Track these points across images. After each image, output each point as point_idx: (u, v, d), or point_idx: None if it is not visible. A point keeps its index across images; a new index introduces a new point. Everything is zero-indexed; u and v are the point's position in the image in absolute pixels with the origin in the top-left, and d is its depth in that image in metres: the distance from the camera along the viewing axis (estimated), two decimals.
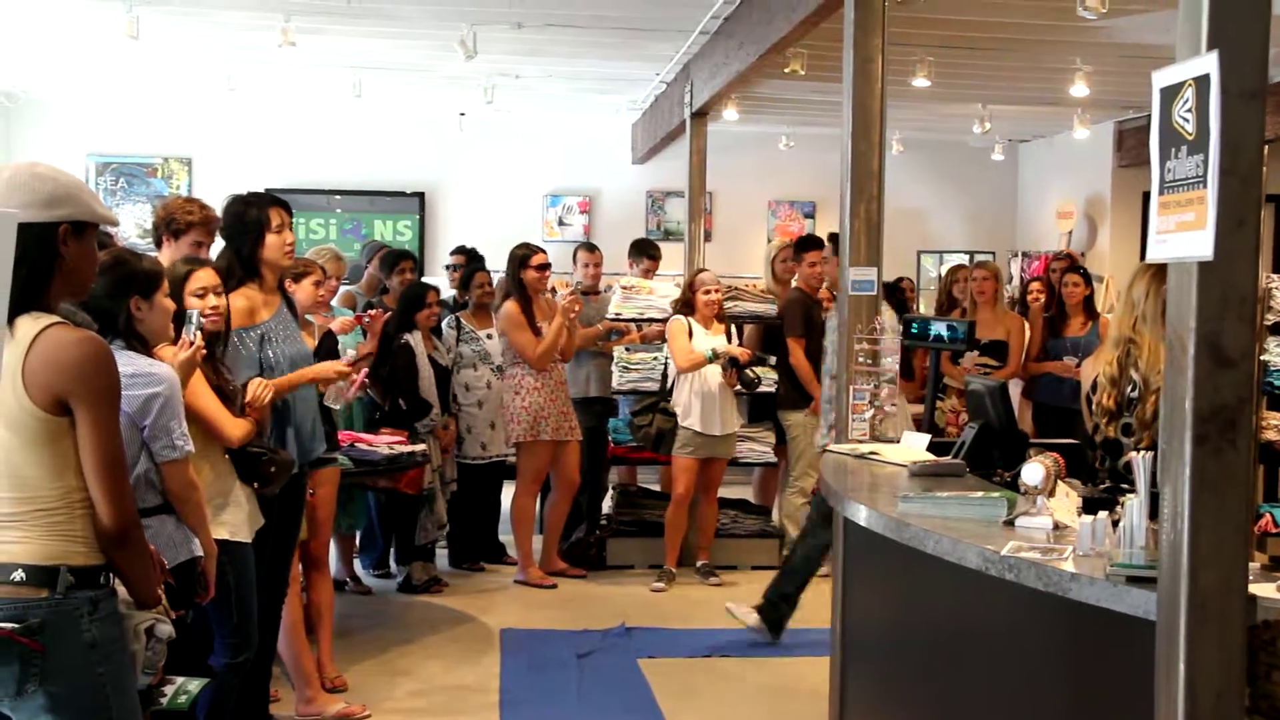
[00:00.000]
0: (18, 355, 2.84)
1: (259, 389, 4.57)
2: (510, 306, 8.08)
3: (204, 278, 4.45)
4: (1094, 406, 4.50)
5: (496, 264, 9.50)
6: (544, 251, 8.34)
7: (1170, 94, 2.68)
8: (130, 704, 3.03)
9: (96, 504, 2.92)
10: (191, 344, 4.12)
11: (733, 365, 8.04)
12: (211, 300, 4.40)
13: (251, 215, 4.98)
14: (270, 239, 4.98)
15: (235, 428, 4.41)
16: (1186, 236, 2.61)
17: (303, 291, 5.78)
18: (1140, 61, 8.76)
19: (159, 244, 5.08)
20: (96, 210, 3.02)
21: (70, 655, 2.90)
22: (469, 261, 9.22)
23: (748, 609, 6.90)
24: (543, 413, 8.03)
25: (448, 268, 9.33)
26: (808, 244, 8.79)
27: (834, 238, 7.36)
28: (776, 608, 6.90)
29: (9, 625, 2.84)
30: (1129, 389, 4.38)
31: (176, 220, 4.99)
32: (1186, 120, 2.63)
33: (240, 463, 4.51)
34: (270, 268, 5.04)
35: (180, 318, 4.16)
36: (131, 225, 12.46)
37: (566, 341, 8.15)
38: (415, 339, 7.69)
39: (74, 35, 9.37)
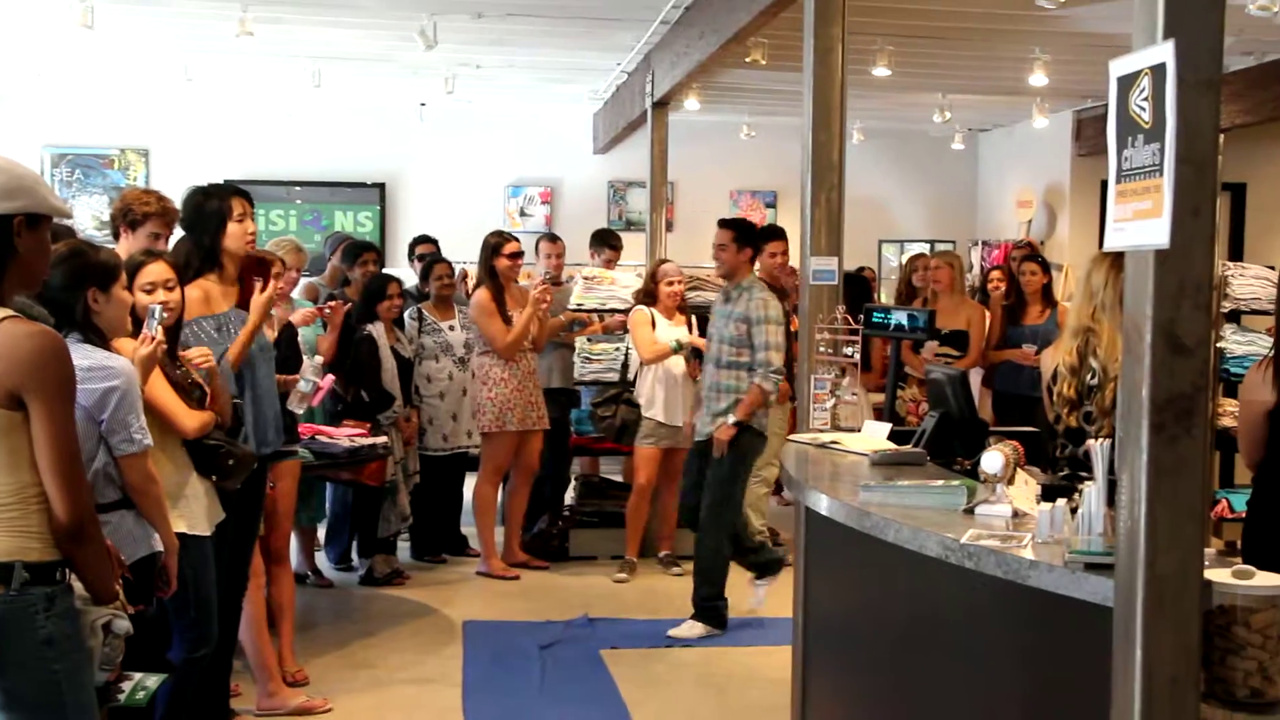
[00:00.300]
0: None
1: (201, 354, 4.50)
2: (482, 294, 8.07)
3: (154, 272, 4.39)
4: (1054, 396, 4.53)
5: (458, 254, 9.47)
6: (517, 240, 8.32)
7: (1127, 83, 2.69)
8: (87, 700, 3.01)
9: (52, 499, 2.90)
10: (153, 339, 4.08)
11: (696, 356, 8.05)
12: (161, 295, 4.34)
13: (213, 205, 4.95)
14: (232, 228, 4.95)
15: (191, 419, 4.37)
16: (1143, 225, 2.63)
17: None
18: (1098, 51, 8.79)
19: (117, 236, 5.04)
20: (51, 202, 3.00)
21: (25, 651, 2.88)
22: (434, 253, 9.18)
23: (688, 625, 6.92)
24: (509, 404, 8.02)
25: (419, 258, 9.25)
26: (769, 234, 8.79)
27: (727, 223, 7.31)
28: (712, 608, 6.97)
29: None
30: (1089, 377, 4.41)
31: (133, 211, 4.95)
32: (1143, 109, 2.64)
33: (198, 456, 4.47)
34: (231, 257, 5.00)
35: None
36: (88, 217, 12.36)
37: (539, 331, 8.16)
38: (378, 330, 7.66)
39: (27, 25, 9.27)
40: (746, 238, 7.13)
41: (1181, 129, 2.55)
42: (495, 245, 8.12)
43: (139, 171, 12.88)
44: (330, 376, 6.22)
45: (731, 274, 7.08)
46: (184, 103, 12.49)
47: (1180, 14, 2.56)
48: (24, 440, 2.87)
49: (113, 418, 3.76)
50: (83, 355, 3.53)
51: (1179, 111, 2.55)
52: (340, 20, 8.89)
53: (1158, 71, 2.58)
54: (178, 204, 5.08)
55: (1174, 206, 2.55)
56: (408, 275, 9.58)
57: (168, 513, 4.07)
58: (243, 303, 4.99)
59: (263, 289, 4.96)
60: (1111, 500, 2.85)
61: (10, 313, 2.89)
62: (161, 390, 4.27)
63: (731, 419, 6.85)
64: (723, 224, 7.31)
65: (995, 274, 9.71)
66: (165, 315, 4.19)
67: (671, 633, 6.87)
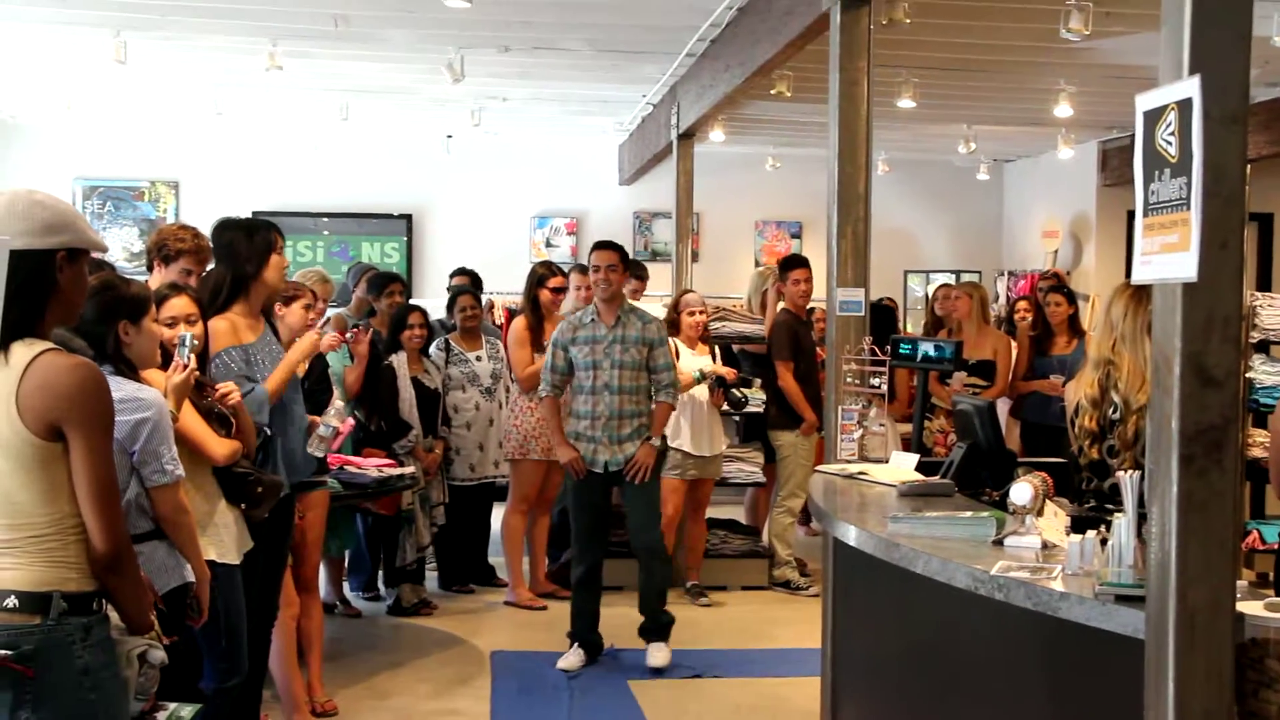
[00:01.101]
0: (12, 381, 2.85)
1: (229, 388, 4.52)
2: (519, 322, 8.10)
3: (175, 307, 4.42)
4: (1076, 429, 4.51)
5: (486, 286, 9.50)
6: (564, 275, 8.34)
7: (1153, 117, 2.70)
8: None
9: (90, 530, 2.92)
10: (185, 366, 4.12)
11: (719, 385, 8.06)
12: (181, 329, 4.38)
13: (260, 238, 4.98)
14: (274, 259, 5.00)
15: (221, 447, 4.40)
16: (1171, 258, 2.64)
17: (293, 315, 5.78)
18: (1123, 82, 8.82)
19: (150, 268, 5.09)
20: (90, 237, 3.04)
21: (63, 681, 2.90)
22: (472, 284, 9.20)
23: (662, 652, 6.83)
24: (533, 432, 8.04)
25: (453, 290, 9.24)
26: (792, 263, 8.81)
27: (610, 244, 7.06)
28: (671, 625, 6.95)
29: (1, 652, 2.84)
30: (1110, 411, 4.38)
31: (168, 247, 5.01)
32: (1169, 143, 2.66)
33: (227, 484, 4.49)
34: (267, 289, 5.05)
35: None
36: (119, 249, 12.47)
37: None
38: (399, 360, 7.70)
39: (61, 59, 9.39)
40: (628, 261, 7.14)
41: (1208, 163, 2.56)
42: (541, 276, 8.12)
43: (169, 204, 12.99)
44: (350, 420, 6.24)
45: (614, 298, 6.90)
46: (214, 136, 12.62)
47: (1207, 50, 2.58)
48: (63, 472, 2.90)
49: (144, 449, 3.79)
50: (115, 387, 3.54)
51: (1205, 146, 2.56)
52: (368, 54, 8.98)
53: (1184, 107, 2.60)
54: (209, 236, 5.14)
55: (1202, 240, 2.56)
56: (439, 306, 9.61)
57: (199, 542, 4.10)
58: None
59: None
60: (1141, 532, 2.85)
61: (50, 345, 2.92)
62: (191, 419, 4.31)
63: (656, 441, 6.90)
64: (606, 246, 7.05)
65: (1022, 304, 9.70)
66: (196, 343, 4.23)
67: (651, 663, 6.79)
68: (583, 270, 9.28)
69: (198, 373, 4.21)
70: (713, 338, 8.53)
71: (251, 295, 5.00)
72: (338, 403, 5.96)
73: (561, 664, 6.81)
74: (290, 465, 5.13)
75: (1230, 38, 2.59)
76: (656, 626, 6.93)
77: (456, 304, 8.45)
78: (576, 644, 6.90)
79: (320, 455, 5.61)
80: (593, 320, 6.90)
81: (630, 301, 7.15)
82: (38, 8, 7.90)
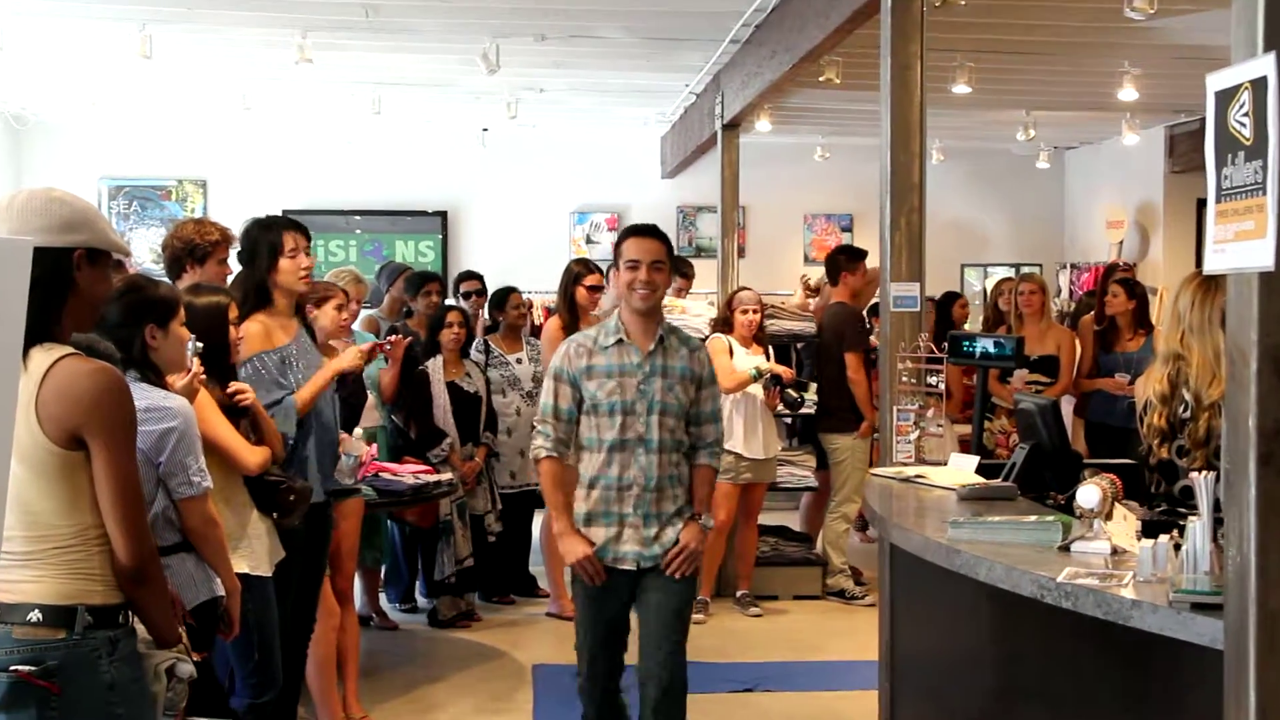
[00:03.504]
0: (30, 388, 2.85)
1: (240, 387, 4.53)
2: (553, 322, 8.00)
3: (234, 310, 4.49)
4: (1145, 427, 4.44)
5: (522, 284, 9.48)
6: (601, 273, 8.29)
7: (1225, 98, 2.66)
8: None
9: (114, 541, 2.93)
10: (189, 371, 4.10)
11: (775, 384, 8.00)
12: (231, 332, 4.43)
13: (265, 239, 4.98)
14: (284, 263, 4.97)
15: (253, 455, 4.42)
16: (1246, 246, 2.59)
17: (325, 316, 5.79)
18: (1191, 63, 8.72)
19: (180, 274, 5.09)
20: (111, 238, 3.05)
21: (89, 697, 2.91)
22: (482, 286, 9.16)
23: None
24: None
25: (463, 295, 9.20)
26: (855, 254, 8.76)
27: (655, 231, 4.91)
28: None
29: (25, 668, 2.86)
30: (1180, 409, 4.31)
31: (200, 246, 5.04)
32: (1243, 125, 2.60)
33: (258, 493, 4.51)
34: (284, 293, 5.05)
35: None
36: (145, 250, 12.56)
37: None
38: (434, 365, 7.70)
39: (85, 55, 9.47)
40: (675, 258, 5.52)
41: None
42: (577, 275, 7.92)
43: (197, 203, 13.08)
44: (374, 446, 6.25)
45: (654, 310, 4.83)
46: (242, 132, 12.69)
47: None
48: (85, 480, 2.91)
49: (170, 460, 3.78)
50: (140, 395, 3.55)
51: None
52: (401, 45, 9.00)
53: (1258, 86, 2.55)
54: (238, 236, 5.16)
55: (1279, 226, 2.51)
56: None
57: (229, 555, 4.11)
58: None
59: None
60: (1216, 536, 2.80)
61: (70, 350, 2.93)
62: (220, 426, 4.32)
63: (709, 521, 4.91)
64: (648, 233, 4.89)
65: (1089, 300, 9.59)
66: (199, 346, 4.18)
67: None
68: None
69: (203, 377, 4.18)
70: (767, 336, 8.49)
71: (274, 297, 5.01)
72: (357, 430, 5.97)
73: None
74: (324, 473, 5.15)
75: None
76: None
77: (509, 301, 8.43)
78: None
79: (349, 483, 5.62)
80: (619, 343, 4.80)
81: (668, 317, 5.13)
82: (61, 2, 7.97)
